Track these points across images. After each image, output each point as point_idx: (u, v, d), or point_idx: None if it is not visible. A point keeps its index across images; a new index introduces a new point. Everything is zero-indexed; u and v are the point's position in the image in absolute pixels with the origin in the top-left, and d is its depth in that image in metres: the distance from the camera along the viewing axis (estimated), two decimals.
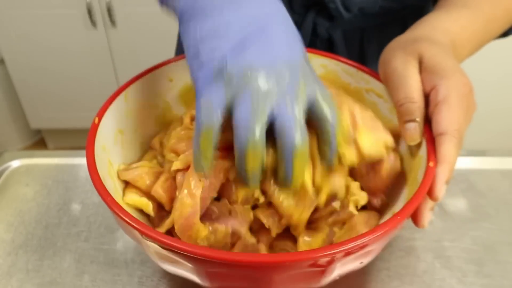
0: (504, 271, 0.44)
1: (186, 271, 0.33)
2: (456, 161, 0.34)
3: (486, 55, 1.34)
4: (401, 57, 0.37)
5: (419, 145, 0.37)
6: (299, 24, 0.56)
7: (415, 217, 0.34)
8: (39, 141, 1.86)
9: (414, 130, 0.36)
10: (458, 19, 0.42)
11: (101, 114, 0.40)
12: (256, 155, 0.31)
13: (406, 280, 0.43)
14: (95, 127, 0.39)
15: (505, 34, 0.51)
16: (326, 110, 0.33)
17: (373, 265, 0.44)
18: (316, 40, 0.57)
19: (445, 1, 0.46)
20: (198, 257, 0.29)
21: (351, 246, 0.28)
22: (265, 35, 0.33)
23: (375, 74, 0.44)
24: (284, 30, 0.34)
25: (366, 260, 0.34)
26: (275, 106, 0.31)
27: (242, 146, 0.31)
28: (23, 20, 1.47)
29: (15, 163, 0.58)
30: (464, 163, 0.56)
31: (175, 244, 0.29)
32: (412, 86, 0.36)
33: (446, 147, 0.33)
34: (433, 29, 0.41)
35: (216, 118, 0.31)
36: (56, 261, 0.45)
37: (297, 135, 0.31)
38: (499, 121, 1.53)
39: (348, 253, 0.29)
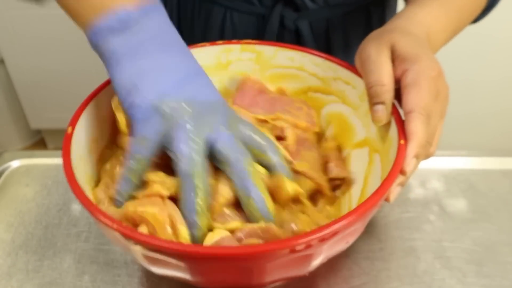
0: (504, 272, 0.44)
1: (176, 271, 0.33)
2: (429, 137, 0.36)
3: (486, 55, 1.35)
4: (375, 46, 0.40)
5: (388, 127, 0.39)
6: (266, 17, 0.58)
7: None
8: (39, 141, 1.85)
9: (381, 112, 0.38)
10: (431, 12, 0.44)
11: (73, 122, 0.39)
12: (204, 183, 0.35)
13: (406, 281, 0.43)
14: (68, 137, 0.38)
15: (475, 20, 0.53)
16: (260, 139, 0.38)
17: (373, 266, 0.44)
18: (283, 32, 0.59)
19: None
20: (189, 254, 0.29)
21: (338, 226, 0.30)
22: (199, 79, 0.38)
23: (342, 63, 0.45)
24: (208, 81, 0.39)
25: (351, 240, 0.35)
26: (210, 134, 0.36)
27: (186, 173, 0.35)
28: (23, 20, 1.47)
29: (15, 163, 0.58)
30: (464, 163, 0.56)
31: (165, 244, 0.29)
32: (382, 71, 0.38)
33: (414, 124, 0.35)
34: (408, 22, 0.43)
35: (149, 153, 0.36)
36: (56, 261, 0.45)
37: (240, 163, 0.36)
38: (499, 121, 1.53)
39: (335, 233, 0.30)
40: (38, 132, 1.85)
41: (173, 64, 0.37)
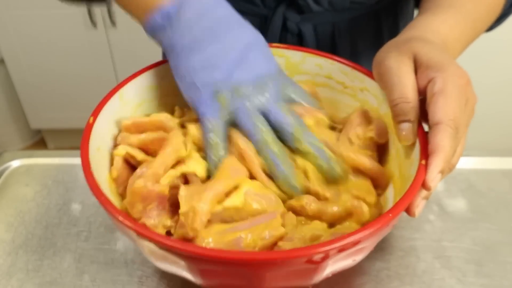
0: (504, 271, 0.44)
1: (180, 269, 0.33)
2: (454, 152, 0.34)
3: (486, 55, 1.35)
4: (395, 56, 0.37)
5: (412, 146, 0.37)
6: (269, 19, 0.57)
7: (407, 206, 0.34)
8: (39, 141, 1.86)
9: (408, 131, 0.36)
10: (446, 20, 0.43)
11: (96, 113, 0.40)
12: (274, 141, 0.39)
13: (406, 280, 0.43)
14: (89, 127, 0.39)
15: (489, 28, 0.52)
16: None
17: (373, 265, 0.44)
18: (286, 35, 0.58)
19: (430, 3, 0.46)
20: (190, 255, 0.29)
21: (344, 243, 0.29)
22: (245, 60, 0.41)
23: (370, 73, 0.44)
24: (260, 53, 0.42)
25: (358, 258, 0.34)
26: (264, 108, 0.40)
27: (260, 143, 0.39)
28: (23, 20, 1.47)
29: (15, 163, 0.58)
30: (464, 163, 0.56)
31: (167, 242, 0.29)
32: (406, 86, 0.36)
33: (440, 137, 0.33)
34: (424, 31, 0.41)
35: (222, 130, 0.40)
36: (56, 261, 0.45)
37: (290, 119, 0.40)
38: (499, 121, 1.53)
39: (340, 250, 0.30)
40: (38, 132, 1.85)
41: (221, 54, 0.40)
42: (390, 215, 0.31)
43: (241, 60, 0.41)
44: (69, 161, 0.58)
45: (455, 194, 0.52)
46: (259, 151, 0.39)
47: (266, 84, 0.41)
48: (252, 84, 0.40)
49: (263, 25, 0.58)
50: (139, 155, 0.40)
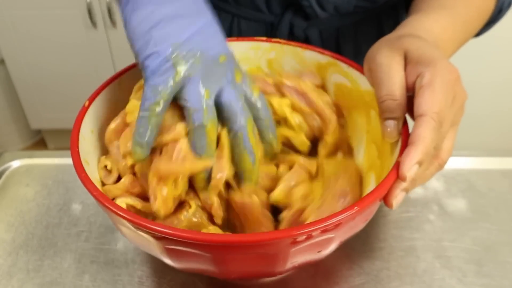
0: (504, 271, 0.44)
1: (151, 248, 0.34)
2: (435, 145, 0.34)
3: (486, 56, 1.35)
4: (386, 53, 0.38)
5: (397, 143, 0.37)
6: (275, 25, 0.57)
7: (385, 196, 0.34)
8: (39, 141, 1.85)
9: (393, 128, 0.36)
10: (438, 20, 0.43)
11: (92, 98, 0.41)
12: (214, 128, 0.37)
13: (406, 280, 0.43)
14: (84, 110, 0.39)
15: (477, 34, 0.52)
16: (257, 99, 0.39)
17: (373, 265, 0.44)
18: (293, 40, 0.58)
19: (422, 4, 0.46)
20: (152, 232, 0.30)
21: (303, 231, 0.29)
22: (211, 29, 0.38)
23: (359, 68, 0.44)
24: (219, 30, 0.39)
25: (325, 250, 0.34)
26: (218, 88, 0.37)
27: (200, 123, 0.36)
28: (23, 20, 1.47)
29: (15, 163, 0.58)
30: (464, 163, 0.56)
31: (132, 219, 0.30)
32: (395, 84, 0.36)
33: (422, 129, 0.33)
34: (416, 29, 0.41)
35: (162, 104, 0.35)
36: (57, 261, 0.46)
37: (242, 118, 0.37)
38: (499, 121, 1.53)
39: (308, 238, 0.30)
40: (38, 132, 1.85)
41: (188, 13, 0.37)
42: (356, 207, 0.30)
43: (202, 30, 0.37)
44: (69, 161, 0.56)
45: (455, 194, 0.52)
46: (233, 140, 0.37)
47: (223, 64, 0.38)
48: (213, 58, 0.37)
49: (269, 32, 0.58)
50: (138, 204, 0.40)
